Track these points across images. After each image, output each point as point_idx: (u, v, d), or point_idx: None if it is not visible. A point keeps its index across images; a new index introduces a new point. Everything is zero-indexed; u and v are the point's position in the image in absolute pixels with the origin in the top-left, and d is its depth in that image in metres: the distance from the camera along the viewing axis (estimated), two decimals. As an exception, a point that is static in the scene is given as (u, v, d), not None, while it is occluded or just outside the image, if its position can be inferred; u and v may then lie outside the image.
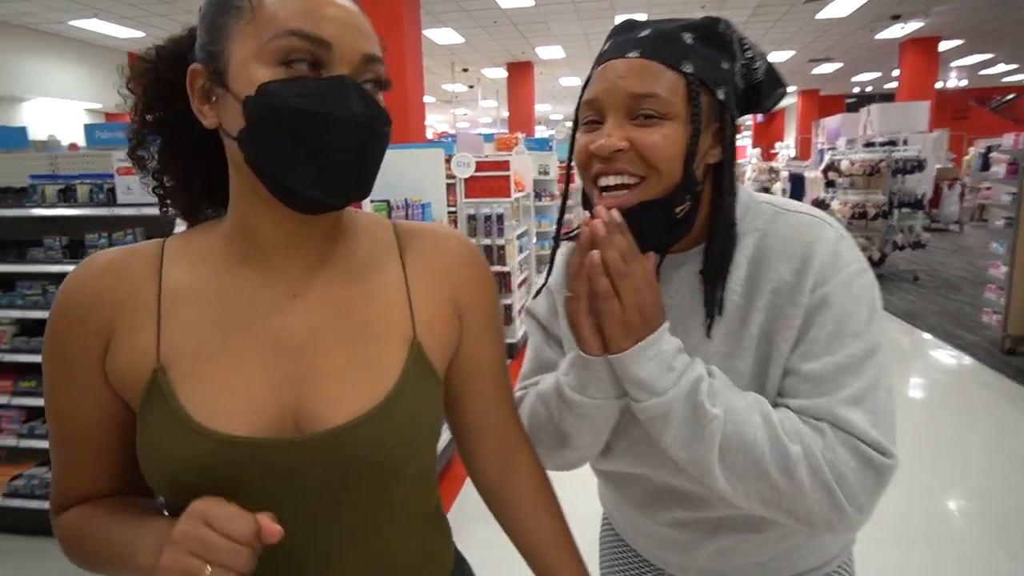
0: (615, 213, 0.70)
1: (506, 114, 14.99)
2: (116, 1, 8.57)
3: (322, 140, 0.57)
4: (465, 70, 14.15)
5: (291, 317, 0.64)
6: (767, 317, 0.75)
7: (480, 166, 4.80)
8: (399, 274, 0.70)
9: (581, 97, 0.78)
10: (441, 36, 10.93)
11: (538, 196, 7.69)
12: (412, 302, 0.69)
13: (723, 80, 0.74)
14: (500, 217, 4.78)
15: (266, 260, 0.65)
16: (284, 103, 0.56)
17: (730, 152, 0.76)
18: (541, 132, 14.58)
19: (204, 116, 0.62)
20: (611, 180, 0.73)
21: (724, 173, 0.76)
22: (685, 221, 0.75)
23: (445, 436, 2.47)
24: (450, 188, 5.33)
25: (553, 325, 0.91)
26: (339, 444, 0.61)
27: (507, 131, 14.20)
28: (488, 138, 7.72)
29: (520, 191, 5.43)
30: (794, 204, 0.81)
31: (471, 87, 15.92)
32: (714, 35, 0.74)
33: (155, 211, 2.50)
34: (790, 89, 16.05)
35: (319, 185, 0.58)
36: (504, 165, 4.82)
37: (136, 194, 2.58)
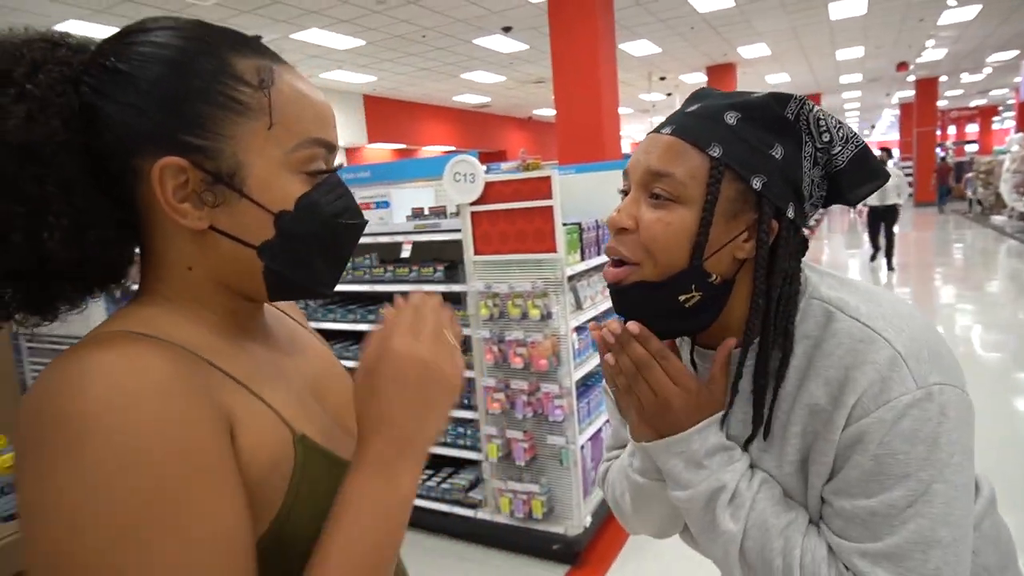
0: (631, 325, 0.70)
1: (705, 119, 14.42)
2: (355, 53, 10.03)
3: (346, 242, 0.62)
4: (662, 78, 13.96)
5: (295, 365, 0.67)
6: (802, 443, 0.68)
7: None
8: (304, 329, 0.76)
9: None
10: (637, 48, 10.94)
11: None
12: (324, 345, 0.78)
13: (765, 167, 0.66)
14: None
15: (247, 333, 0.63)
16: (322, 213, 0.58)
17: (765, 249, 0.67)
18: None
19: (185, 216, 0.54)
20: (613, 256, 0.72)
21: (757, 271, 0.68)
22: (701, 312, 0.70)
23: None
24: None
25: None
26: None
27: (706, 137, 13.70)
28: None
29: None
30: (864, 303, 0.68)
31: (668, 95, 15.64)
32: (771, 116, 0.68)
33: (391, 239, 2.96)
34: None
35: (329, 282, 0.62)
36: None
37: (374, 225, 3.06)
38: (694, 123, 0.68)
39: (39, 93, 0.51)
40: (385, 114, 14.10)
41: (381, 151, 15.05)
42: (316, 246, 0.58)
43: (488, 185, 2.64)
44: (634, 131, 22.82)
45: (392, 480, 0.53)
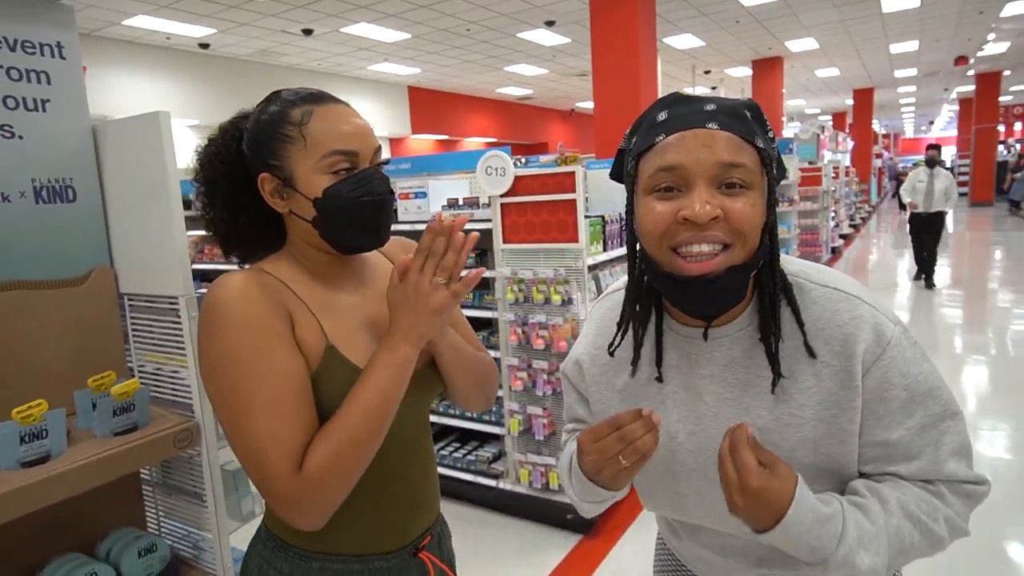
0: (746, 429, 0.73)
1: (750, 113, 14.20)
2: (400, 46, 10.31)
3: (366, 213, 0.89)
4: (707, 72, 13.84)
5: (367, 309, 0.96)
6: (819, 399, 0.79)
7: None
8: (387, 265, 1.04)
9: (631, 168, 0.81)
10: (680, 42, 10.91)
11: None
12: None
13: (772, 155, 0.79)
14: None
15: (335, 279, 0.95)
16: (343, 197, 0.88)
17: (775, 216, 0.79)
18: (794, 129, 13.47)
19: (277, 206, 0.91)
20: (704, 248, 0.74)
21: (773, 235, 0.79)
22: (748, 284, 0.79)
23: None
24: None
25: (581, 386, 1.00)
26: (427, 376, 0.98)
27: (750, 131, 13.50)
28: (722, 144, 7.58)
29: (749, 199, 5.32)
30: (816, 274, 0.83)
31: (714, 88, 15.47)
32: (760, 115, 0.79)
33: (418, 228, 3.18)
34: None
35: (365, 240, 0.92)
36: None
37: (412, 213, 3.29)
38: (732, 120, 0.75)
39: (215, 149, 0.94)
40: (429, 105, 14.39)
41: (424, 142, 15.36)
42: (345, 217, 0.89)
43: (517, 178, 2.83)
44: (678, 124, 22.50)
45: (394, 353, 0.85)
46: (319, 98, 0.91)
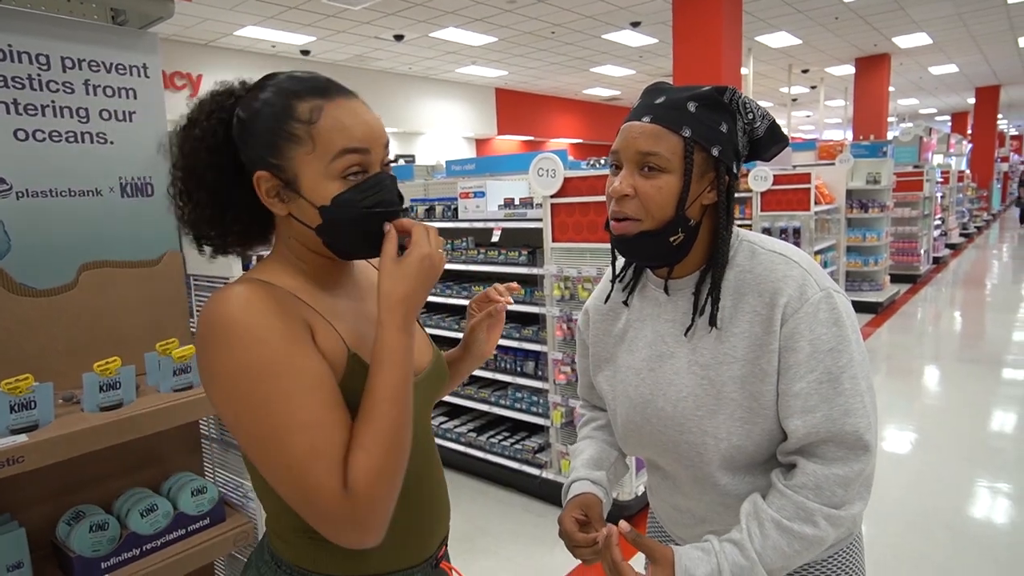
0: (621, 528, 0.89)
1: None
2: (487, 49, 10.61)
3: (377, 224, 0.81)
4: (805, 71, 13.22)
5: (366, 310, 0.90)
6: (747, 343, 0.92)
7: (778, 179, 4.74)
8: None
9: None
10: (775, 40, 10.51)
11: (863, 207, 6.96)
12: None
13: (719, 139, 0.92)
14: (797, 231, 4.64)
15: (335, 283, 0.89)
16: (354, 207, 0.79)
17: (724, 195, 0.94)
18: (894, 132, 12.58)
19: (274, 207, 0.81)
20: (619, 216, 0.94)
21: (720, 211, 0.95)
22: (682, 247, 0.95)
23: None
24: (747, 201, 5.35)
25: (586, 334, 1.16)
26: (432, 376, 0.96)
27: (851, 133, 12.79)
28: (809, 146, 7.30)
29: (827, 203, 5.13)
30: (771, 243, 0.97)
31: (813, 88, 14.73)
32: (716, 103, 0.92)
33: (484, 225, 3.36)
34: None
35: (373, 251, 0.82)
36: (804, 178, 4.66)
37: (471, 212, 3.47)
38: (666, 112, 0.91)
39: (199, 133, 0.82)
40: (515, 107, 14.67)
41: (510, 142, 15.65)
42: (353, 227, 0.80)
43: (567, 180, 2.94)
44: (775, 125, 21.60)
45: (409, 332, 0.79)
46: (326, 90, 0.81)
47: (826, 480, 0.87)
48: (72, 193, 1.44)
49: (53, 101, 1.39)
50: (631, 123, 0.94)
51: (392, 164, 0.88)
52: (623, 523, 0.90)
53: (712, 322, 0.94)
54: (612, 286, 1.11)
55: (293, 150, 0.78)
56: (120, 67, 1.48)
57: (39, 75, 1.36)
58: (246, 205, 0.84)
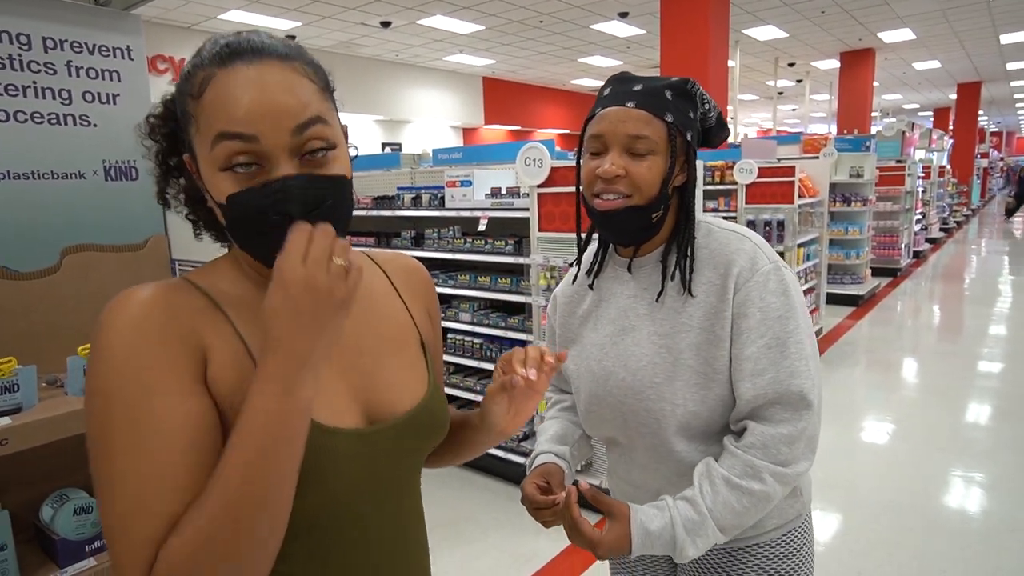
0: (581, 486, 0.93)
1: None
2: (475, 38, 10.54)
3: (279, 233, 0.60)
4: (791, 64, 13.30)
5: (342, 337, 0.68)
6: (703, 312, 0.99)
7: (763, 172, 4.78)
8: (395, 294, 0.84)
9: (584, 132, 1.02)
10: (762, 33, 10.56)
11: (846, 201, 7.05)
12: (411, 313, 0.84)
13: (690, 126, 1.00)
14: (781, 224, 4.69)
15: None
16: (249, 212, 0.61)
17: (693, 176, 1.03)
18: (878, 127, 12.73)
19: (206, 196, 0.66)
20: (610, 196, 0.98)
21: (688, 190, 1.03)
22: (658, 224, 1.03)
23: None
24: (732, 193, 5.40)
25: (554, 320, 1.22)
26: (412, 425, 0.74)
27: (835, 127, 12.91)
28: (794, 139, 7.36)
29: (811, 196, 5.19)
30: (725, 224, 1.05)
31: (799, 81, 14.84)
32: (685, 92, 1.00)
33: (470, 214, 3.36)
34: None
35: (271, 256, 0.61)
36: (788, 171, 4.71)
37: (458, 201, 3.47)
38: (648, 99, 0.98)
39: (154, 122, 0.71)
40: (502, 96, 14.61)
41: (497, 132, 15.61)
42: (253, 230, 0.63)
43: (554, 169, 2.95)
44: (759, 118, 21.76)
45: (289, 391, 0.57)
46: (232, 54, 0.62)
47: (772, 439, 0.93)
48: (55, 175, 1.43)
49: (35, 82, 1.37)
50: (613, 109, 0.99)
51: (320, 152, 0.65)
52: (582, 482, 0.95)
53: (684, 285, 1.00)
54: (577, 269, 1.16)
55: (189, 130, 0.65)
56: (103, 48, 1.46)
57: (20, 55, 1.34)
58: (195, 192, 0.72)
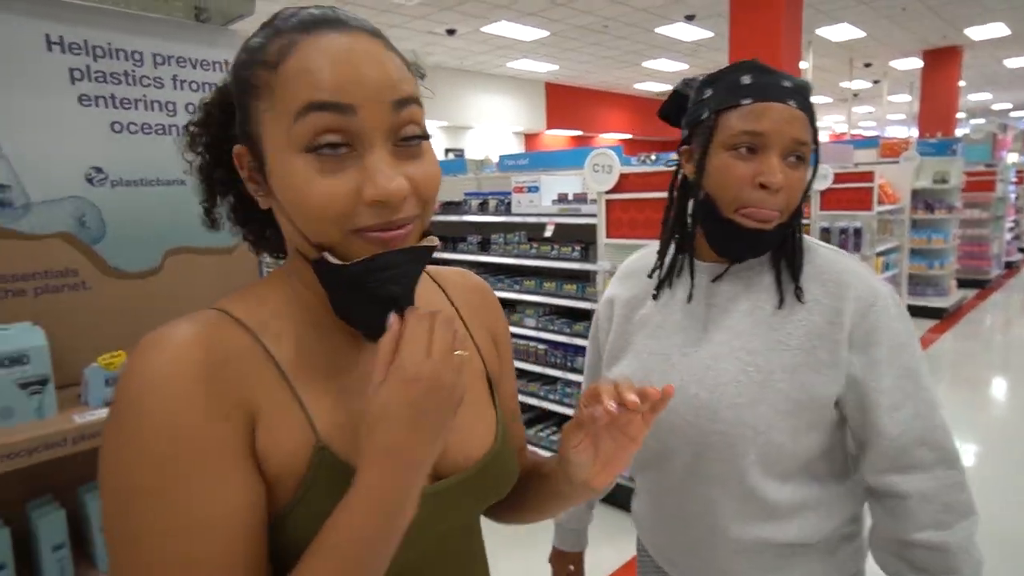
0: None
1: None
2: (539, 43, 10.59)
3: (375, 304, 0.53)
4: (868, 65, 12.72)
5: None
6: (805, 331, 0.89)
7: (839, 177, 4.60)
8: (457, 321, 0.69)
9: (714, 122, 0.87)
10: (836, 33, 10.15)
11: (929, 208, 6.67)
12: (475, 341, 0.72)
13: (816, 131, 0.92)
14: (858, 231, 4.50)
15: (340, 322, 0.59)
16: (339, 287, 0.54)
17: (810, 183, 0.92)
18: (964, 129, 11.88)
19: (257, 195, 0.56)
20: (768, 211, 0.85)
21: (805, 197, 0.92)
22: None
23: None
24: (805, 200, 5.20)
25: (604, 327, 1.11)
26: (480, 477, 0.63)
27: (917, 130, 12.25)
28: (871, 143, 7.04)
29: (890, 203, 4.95)
30: (824, 245, 0.96)
31: (876, 82, 14.18)
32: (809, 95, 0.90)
33: (537, 219, 3.37)
34: None
35: (368, 327, 0.56)
36: (867, 176, 4.51)
37: (524, 206, 3.49)
38: (805, 101, 0.86)
39: (195, 131, 0.61)
40: (564, 101, 14.60)
41: (559, 137, 15.60)
42: (341, 290, 0.54)
43: (623, 176, 2.93)
44: (832, 121, 20.90)
45: (400, 511, 0.50)
46: (315, 23, 0.53)
47: (943, 489, 0.85)
48: (159, 182, 1.53)
49: (144, 95, 1.47)
50: (777, 104, 0.84)
51: (415, 140, 0.56)
52: None
53: (799, 298, 0.91)
54: (655, 277, 1.03)
55: (256, 109, 0.53)
56: (204, 63, 1.56)
57: (133, 71, 1.44)
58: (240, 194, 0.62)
